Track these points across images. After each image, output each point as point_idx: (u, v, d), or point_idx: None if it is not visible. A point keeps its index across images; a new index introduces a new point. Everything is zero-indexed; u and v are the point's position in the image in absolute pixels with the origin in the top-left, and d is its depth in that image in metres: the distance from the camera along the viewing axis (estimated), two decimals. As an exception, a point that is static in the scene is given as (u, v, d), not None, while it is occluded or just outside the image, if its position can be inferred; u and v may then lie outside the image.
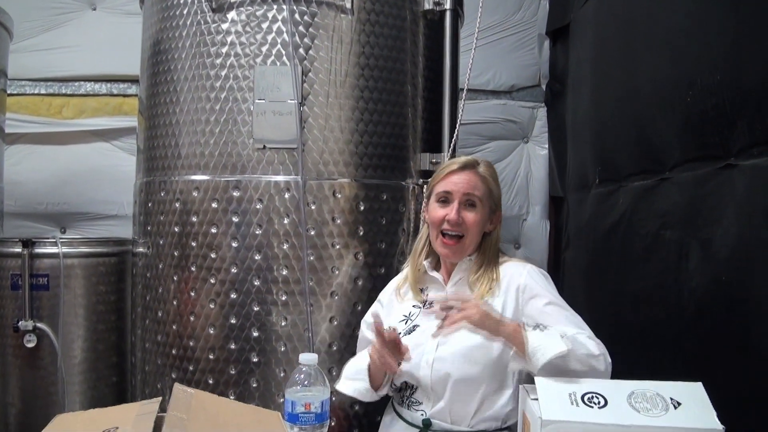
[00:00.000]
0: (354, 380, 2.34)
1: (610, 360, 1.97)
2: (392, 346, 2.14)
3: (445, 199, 2.28)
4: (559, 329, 1.96)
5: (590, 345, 1.93)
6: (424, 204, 2.39)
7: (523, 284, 2.16)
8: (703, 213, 2.35)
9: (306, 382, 1.89)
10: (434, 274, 2.35)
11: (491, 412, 2.09)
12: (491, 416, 2.10)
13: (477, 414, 2.10)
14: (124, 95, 4.68)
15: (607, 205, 3.18)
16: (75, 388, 3.36)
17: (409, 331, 2.27)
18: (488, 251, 2.28)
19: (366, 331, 2.51)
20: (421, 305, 2.33)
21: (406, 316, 2.34)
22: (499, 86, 4.63)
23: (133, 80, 4.35)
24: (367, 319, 2.51)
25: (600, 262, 3.31)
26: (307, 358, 1.92)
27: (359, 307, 2.85)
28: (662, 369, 2.50)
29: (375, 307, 2.53)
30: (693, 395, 1.75)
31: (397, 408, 2.31)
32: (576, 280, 3.66)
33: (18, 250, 3.29)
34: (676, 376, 1.82)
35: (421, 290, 2.37)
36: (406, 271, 2.49)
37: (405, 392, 2.28)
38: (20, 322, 3.24)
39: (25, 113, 4.64)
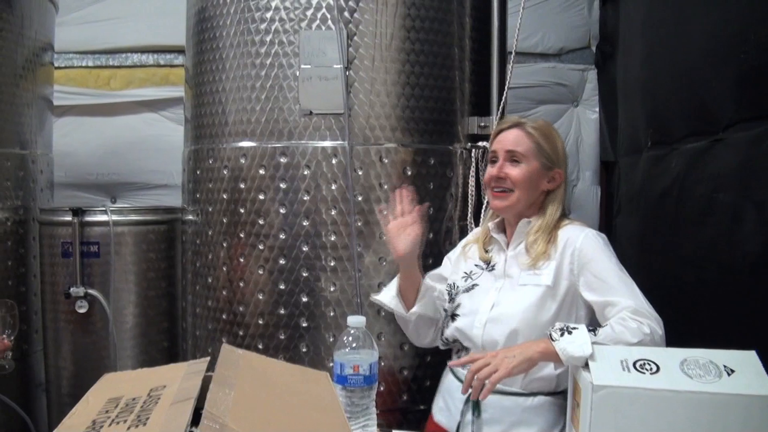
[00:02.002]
0: (388, 289, 2.43)
1: (659, 335, 1.94)
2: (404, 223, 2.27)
3: (494, 159, 2.29)
4: (605, 328, 1.95)
5: (627, 335, 1.91)
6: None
7: (578, 248, 2.13)
8: (758, 174, 2.29)
9: (354, 345, 1.88)
10: (497, 236, 2.34)
11: (543, 373, 2.08)
12: (543, 378, 2.09)
13: (529, 375, 2.08)
14: (171, 65, 4.71)
15: (660, 169, 3.11)
16: (126, 352, 3.42)
17: (468, 289, 2.30)
18: (549, 212, 2.24)
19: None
20: (483, 266, 2.33)
21: (467, 274, 2.35)
22: (547, 49, 4.55)
23: (180, 50, 4.36)
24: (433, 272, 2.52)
25: (652, 228, 3.25)
26: (356, 321, 1.91)
27: (407, 273, 2.84)
28: (715, 334, 2.45)
29: (443, 264, 2.53)
30: (747, 363, 1.71)
31: (453, 368, 2.31)
32: (628, 246, 3.59)
33: (68, 218, 3.34)
34: (729, 342, 1.79)
35: (486, 251, 2.36)
36: (476, 230, 2.52)
37: (460, 353, 2.30)
38: (72, 289, 3.30)
39: (73, 85, 4.70)
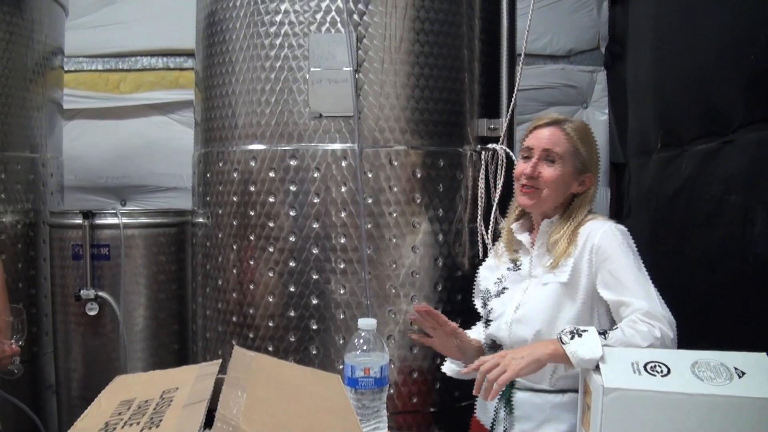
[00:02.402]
0: (451, 362, 2.45)
1: (670, 338, 1.92)
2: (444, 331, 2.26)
3: (527, 155, 2.23)
4: (618, 329, 1.94)
5: (638, 338, 1.90)
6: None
7: (597, 245, 2.10)
8: (768, 176, 2.28)
9: (365, 347, 1.89)
10: (521, 236, 2.31)
11: (570, 371, 2.06)
12: (571, 375, 2.07)
13: (556, 372, 2.09)
14: (181, 69, 4.71)
15: (670, 170, 3.10)
16: (137, 355, 3.44)
17: (498, 294, 2.29)
18: (575, 214, 2.20)
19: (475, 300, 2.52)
20: (511, 266, 2.32)
21: (499, 279, 2.34)
22: (556, 50, 4.53)
23: (189, 54, 4.37)
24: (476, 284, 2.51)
25: (663, 230, 3.24)
26: (366, 323, 1.91)
27: (416, 275, 2.85)
28: (726, 337, 2.43)
29: (478, 277, 2.51)
30: (758, 365, 1.71)
31: None
32: (638, 248, 3.58)
33: (79, 221, 3.36)
34: (739, 345, 1.78)
35: (515, 250, 2.35)
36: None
37: (493, 350, 2.29)
38: (82, 291, 3.32)
39: (83, 89, 4.71)
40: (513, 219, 2.37)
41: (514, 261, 2.32)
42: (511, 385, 2.16)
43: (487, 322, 2.30)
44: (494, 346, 2.34)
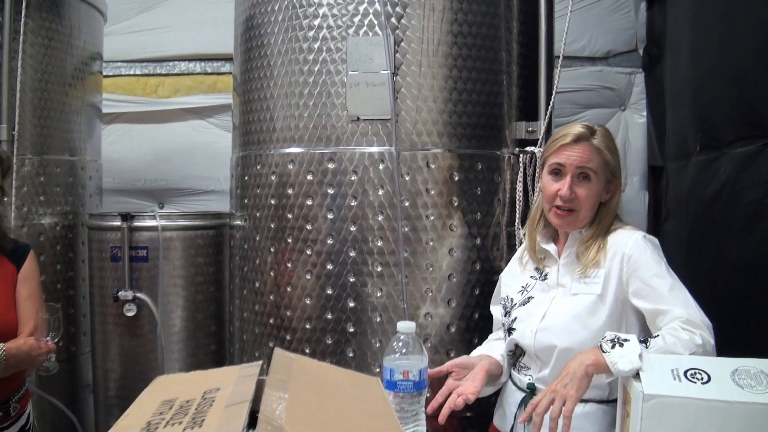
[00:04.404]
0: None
1: (711, 345, 1.91)
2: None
3: (557, 171, 2.20)
4: (657, 339, 1.92)
5: (679, 346, 1.88)
6: (538, 171, 2.32)
7: (628, 254, 2.10)
8: (809, 179, 2.25)
9: (404, 350, 1.89)
10: (548, 246, 2.31)
11: (595, 381, 2.04)
12: (595, 386, 2.05)
13: None
14: (218, 73, 4.76)
15: (709, 174, 3.07)
16: (174, 355, 3.47)
17: (524, 303, 2.29)
18: (603, 222, 2.21)
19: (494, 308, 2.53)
20: (537, 275, 2.32)
21: (523, 287, 2.34)
22: (594, 52, 4.51)
23: (227, 58, 4.42)
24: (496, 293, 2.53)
25: (701, 234, 3.21)
26: (405, 326, 1.92)
27: (453, 279, 2.84)
28: (764, 344, 2.41)
29: (499, 284, 2.52)
30: (799, 373, 1.68)
31: (511, 370, 2.35)
32: (676, 252, 3.54)
33: (117, 223, 3.40)
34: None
35: (541, 259, 2.34)
36: (525, 243, 2.45)
37: (521, 358, 2.31)
38: (120, 292, 3.36)
39: (121, 93, 4.77)
40: (537, 228, 2.36)
41: (540, 270, 2.32)
42: (532, 391, 2.18)
43: (510, 331, 2.30)
44: (516, 352, 2.34)
